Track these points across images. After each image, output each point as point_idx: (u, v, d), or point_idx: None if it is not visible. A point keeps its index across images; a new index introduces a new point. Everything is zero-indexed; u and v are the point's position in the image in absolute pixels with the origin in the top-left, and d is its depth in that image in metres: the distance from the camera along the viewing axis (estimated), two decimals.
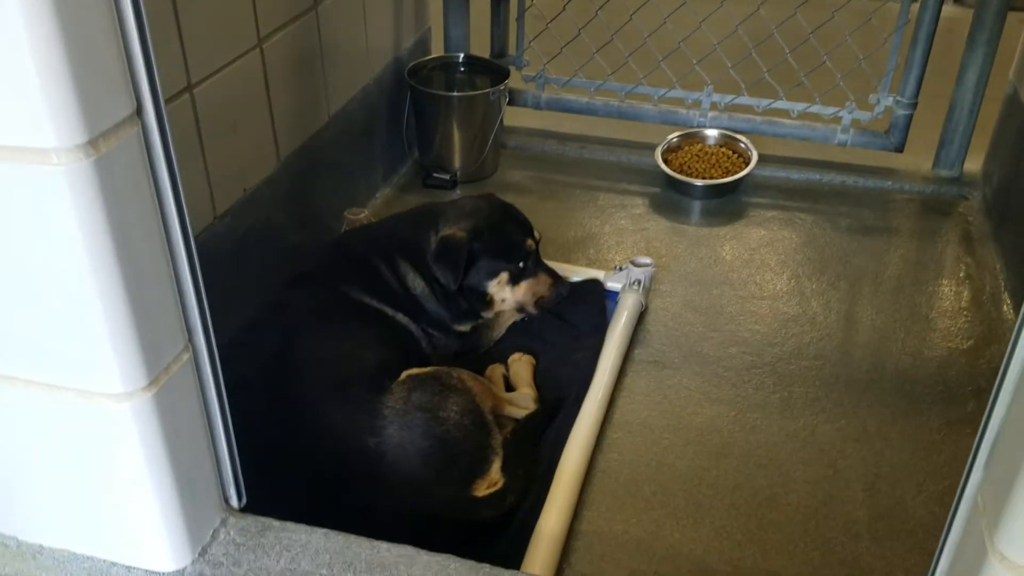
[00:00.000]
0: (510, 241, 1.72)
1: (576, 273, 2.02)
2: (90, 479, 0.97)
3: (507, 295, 1.73)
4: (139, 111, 0.80)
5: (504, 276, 1.71)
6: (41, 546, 1.05)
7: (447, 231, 1.67)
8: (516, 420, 1.61)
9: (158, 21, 1.41)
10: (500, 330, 1.83)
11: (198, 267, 0.93)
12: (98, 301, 0.81)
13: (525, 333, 1.85)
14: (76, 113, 0.73)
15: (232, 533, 1.06)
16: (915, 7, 2.22)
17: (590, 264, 2.11)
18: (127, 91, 0.78)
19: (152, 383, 0.89)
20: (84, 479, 0.97)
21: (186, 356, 0.94)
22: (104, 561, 1.04)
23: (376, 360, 1.49)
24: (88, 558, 1.04)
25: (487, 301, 1.72)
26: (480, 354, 1.79)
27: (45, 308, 0.83)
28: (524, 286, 1.74)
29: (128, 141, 0.79)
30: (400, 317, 1.63)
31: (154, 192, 0.84)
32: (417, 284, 1.68)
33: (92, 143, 0.75)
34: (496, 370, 1.73)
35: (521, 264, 1.72)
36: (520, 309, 1.77)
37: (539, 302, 1.76)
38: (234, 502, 1.10)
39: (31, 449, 0.96)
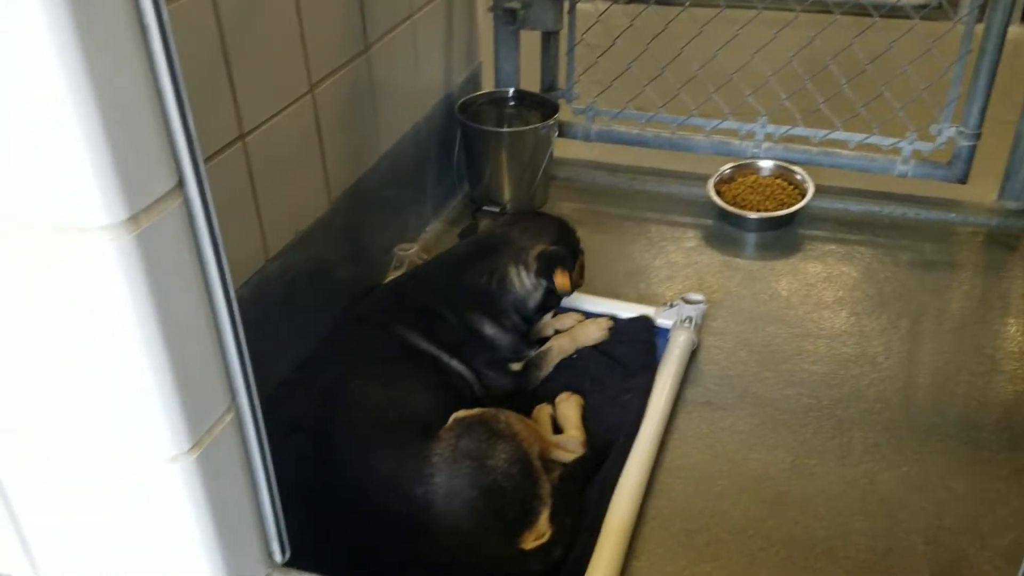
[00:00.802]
0: (575, 250, 1.84)
1: (625, 309, 2.00)
2: (138, 536, 0.98)
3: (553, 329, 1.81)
4: (181, 183, 0.82)
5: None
6: None
7: (538, 251, 1.73)
8: (563, 464, 1.59)
9: (210, 72, 1.44)
10: (547, 368, 1.82)
11: (240, 328, 0.94)
12: (145, 368, 0.83)
13: (573, 371, 1.83)
14: (119, 191, 0.74)
15: None
16: (978, 29, 2.16)
17: (640, 299, 2.09)
18: (168, 166, 0.79)
19: (196, 445, 0.90)
20: (133, 536, 0.98)
21: (229, 417, 0.95)
22: None
23: (426, 405, 1.49)
24: None
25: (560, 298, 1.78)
26: (527, 393, 1.78)
27: (95, 374, 0.85)
28: (562, 277, 1.79)
29: (171, 214, 0.80)
30: (455, 363, 1.63)
31: (197, 260, 0.85)
32: (487, 326, 1.69)
33: (135, 219, 0.76)
34: (543, 411, 1.72)
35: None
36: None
37: (581, 276, 1.86)
38: (278, 557, 1.10)
39: (83, 508, 0.98)
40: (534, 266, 1.73)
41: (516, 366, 1.75)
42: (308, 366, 1.67)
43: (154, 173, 0.78)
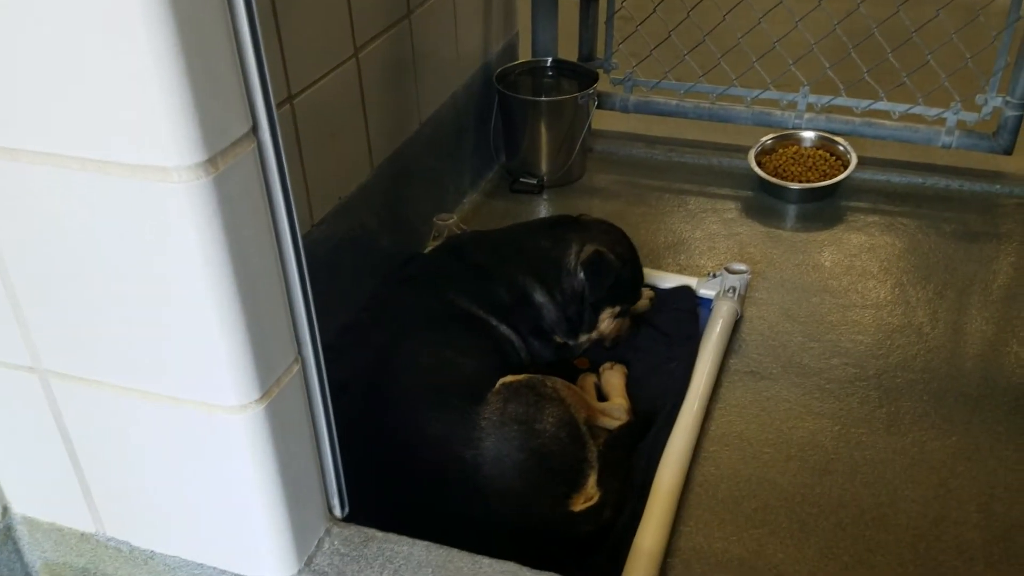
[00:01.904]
0: (636, 283, 1.79)
1: (667, 280, 1.99)
2: (202, 488, 0.98)
3: (605, 327, 1.74)
4: (255, 128, 0.81)
5: (618, 310, 1.73)
6: (153, 552, 1.08)
7: (599, 247, 1.69)
8: (609, 431, 1.58)
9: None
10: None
11: (308, 280, 0.93)
12: (215, 317, 0.82)
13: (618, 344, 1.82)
14: (196, 133, 0.74)
15: (336, 543, 1.07)
16: None
17: (681, 270, 2.07)
18: (244, 110, 0.79)
19: (265, 395, 0.90)
20: (197, 488, 0.99)
21: (296, 368, 0.95)
22: (213, 568, 1.06)
23: (474, 370, 1.49)
24: (198, 565, 1.06)
25: (591, 324, 1.72)
26: (573, 359, 1.77)
27: (164, 323, 0.85)
28: (616, 323, 1.76)
29: (245, 158, 0.79)
30: (503, 328, 1.62)
31: (268, 208, 0.85)
32: (537, 292, 1.68)
33: (211, 161, 0.76)
34: (588, 379, 1.71)
35: (628, 306, 1.77)
36: (599, 340, 1.77)
37: (615, 339, 1.78)
38: (337, 512, 1.10)
39: (148, 458, 0.98)
40: (585, 256, 1.67)
41: (559, 339, 1.73)
42: (351, 330, 1.66)
43: (231, 116, 0.77)
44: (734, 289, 1.90)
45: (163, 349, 0.87)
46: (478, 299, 1.62)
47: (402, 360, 1.49)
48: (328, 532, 1.08)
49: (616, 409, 1.63)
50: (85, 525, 1.11)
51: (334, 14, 1.63)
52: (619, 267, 1.69)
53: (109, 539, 1.11)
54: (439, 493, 1.34)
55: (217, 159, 0.77)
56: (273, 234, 0.86)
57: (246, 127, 0.80)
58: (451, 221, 2.07)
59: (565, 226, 1.76)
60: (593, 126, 2.43)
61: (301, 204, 1.63)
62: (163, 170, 0.75)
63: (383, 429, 1.40)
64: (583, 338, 1.74)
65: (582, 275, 1.67)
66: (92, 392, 0.94)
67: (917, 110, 2.32)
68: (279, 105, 1.50)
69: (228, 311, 0.82)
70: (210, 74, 0.74)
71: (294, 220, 0.87)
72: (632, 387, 1.71)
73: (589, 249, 1.69)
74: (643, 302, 1.88)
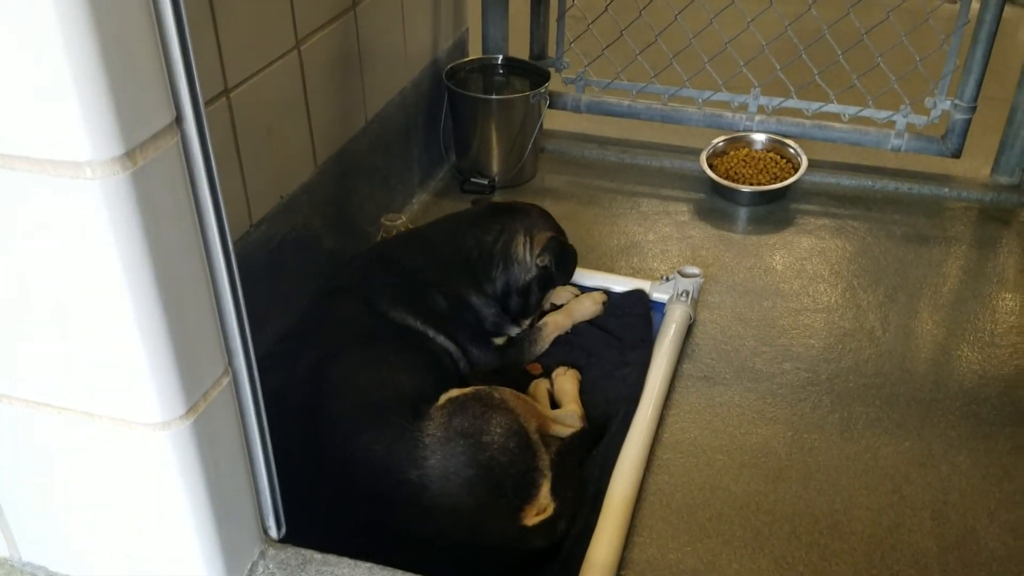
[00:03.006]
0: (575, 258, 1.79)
1: (620, 283, 1.95)
2: (124, 510, 0.91)
3: (555, 297, 1.79)
4: (179, 120, 0.74)
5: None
6: None
7: (551, 234, 1.70)
8: (562, 439, 1.53)
9: (194, 23, 1.35)
10: (543, 344, 1.76)
11: (239, 285, 0.87)
12: (134, 325, 0.75)
13: (569, 346, 1.78)
14: (112, 124, 0.67)
15: (271, 566, 1.00)
16: (975, 6, 2.12)
17: (634, 273, 2.04)
18: (166, 99, 0.72)
19: (190, 411, 0.83)
20: (118, 510, 0.91)
21: (226, 380, 0.88)
22: None
23: (413, 385, 1.42)
24: None
25: (535, 306, 1.73)
26: (522, 368, 1.72)
27: (79, 331, 0.77)
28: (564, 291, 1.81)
29: (167, 152, 0.73)
30: (440, 339, 1.56)
31: (194, 206, 0.78)
32: (474, 295, 1.63)
33: (129, 155, 0.69)
34: (540, 386, 1.66)
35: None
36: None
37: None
38: (273, 533, 1.04)
39: (65, 478, 0.91)
40: (540, 245, 1.68)
41: (499, 341, 1.69)
42: (289, 339, 1.58)
43: (152, 106, 0.70)
44: (687, 293, 1.87)
45: (78, 361, 0.80)
46: (412, 309, 1.55)
47: (335, 381, 1.40)
48: (263, 554, 1.01)
49: (569, 416, 1.59)
50: (0, 549, 1.02)
51: (274, 4, 1.55)
52: (573, 250, 1.72)
53: (25, 564, 1.03)
54: (384, 515, 1.27)
55: (136, 153, 0.70)
56: (200, 235, 0.80)
57: (169, 118, 0.73)
58: (399, 222, 2.01)
59: (504, 216, 1.72)
60: (545, 126, 2.38)
61: (239, 203, 1.55)
62: (75, 165, 0.68)
63: (320, 455, 1.32)
64: (526, 323, 1.73)
65: (542, 260, 1.66)
66: (2, 408, 0.86)
67: (867, 113, 2.32)
68: (215, 98, 1.42)
69: (148, 319, 0.75)
70: (128, 59, 0.67)
71: (223, 220, 0.81)
72: (585, 393, 1.67)
73: (543, 236, 1.67)
74: (597, 307, 1.84)
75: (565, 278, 1.72)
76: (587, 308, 1.82)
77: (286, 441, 1.13)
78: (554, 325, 1.76)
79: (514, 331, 1.72)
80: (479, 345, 1.64)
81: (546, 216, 1.77)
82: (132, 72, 0.68)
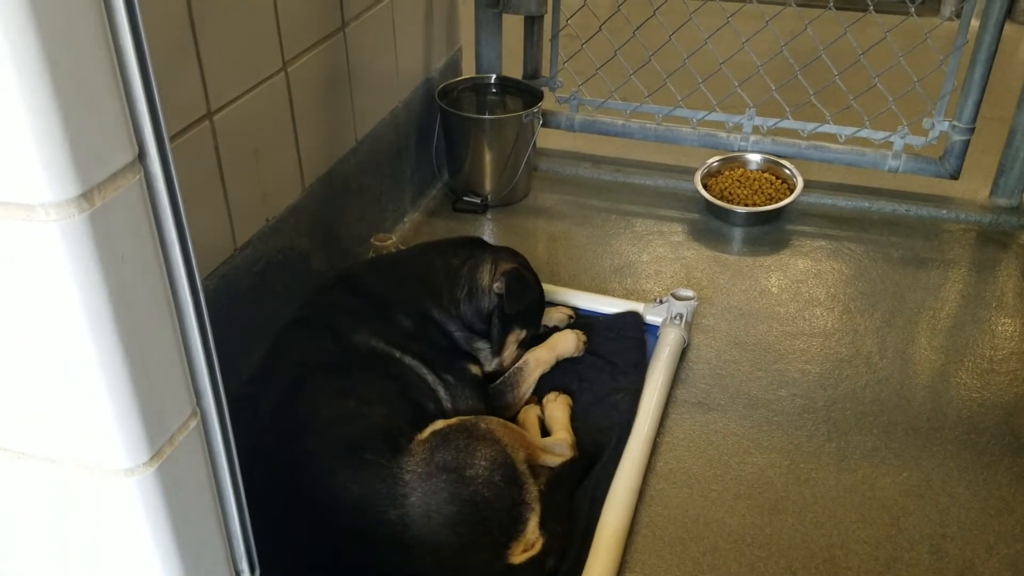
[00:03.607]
0: (542, 309, 1.75)
1: (613, 305, 1.92)
2: (88, 560, 0.87)
3: (508, 354, 1.67)
4: (141, 156, 0.71)
5: (523, 335, 1.68)
6: None
7: (515, 265, 1.64)
8: (552, 469, 1.50)
9: (175, 44, 1.33)
10: (527, 386, 1.67)
11: (208, 324, 0.83)
12: (94, 369, 0.72)
13: (561, 371, 1.74)
14: (67, 163, 0.64)
15: None
16: (974, 25, 2.10)
17: (627, 295, 2.01)
18: (127, 135, 0.69)
19: (155, 456, 0.80)
20: (81, 559, 0.88)
21: (193, 423, 0.85)
22: None
23: (384, 417, 1.35)
24: None
25: (498, 342, 1.65)
26: (509, 417, 1.62)
27: (34, 377, 0.74)
28: (517, 353, 1.69)
29: (128, 191, 0.69)
30: (408, 359, 1.48)
31: (158, 245, 0.75)
32: (431, 307, 1.59)
33: (86, 196, 0.66)
34: (530, 413, 1.63)
35: (531, 335, 1.71)
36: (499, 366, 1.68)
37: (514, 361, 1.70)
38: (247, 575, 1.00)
39: (24, 527, 0.87)
40: (500, 276, 1.61)
41: (475, 369, 1.61)
42: (254, 379, 1.48)
43: (111, 143, 0.67)
44: (681, 316, 1.84)
45: (36, 405, 0.76)
46: (377, 330, 1.48)
47: (301, 420, 1.33)
48: None
49: (559, 445, 1.55)
50: None
51: (260, 26, 1.53)
52: (536, 287, 1.66)
53: None
54: (364, 556, 1.23)
55: (94, 193, 0.67)
56: (165, 275, 0.76)
57: (130, 156, 0.70)
58: (390, 242, 1.98)
59: (473, 246, 1.68)
60: (538, 145, 2.36)
61: (222, 226, 1.52)
62: (27, 208, 0.65)
63: (292, 497, 1.26)
64: (495, 361, 1.66)
65: (498, 287, 1.60)
66: None
67: (864, 133, 2.29)
68: (197, 121, 1.39)
69: (108, 362, 0.72)
70: (83, 93, 0.64)
71: (191, 258, 0.77)
72: (576, 419, 1.63)
73: (506, 266, 1.63)
74: (578, 345, 1.75)
75: (514, 307, 1.60)
76: (569, 345, 1.73)
77: (257, 482, 1.09)
78: (536, 362, 1.68)
79: (485, 349, 1.65)
80: (454, 372, 1.55)
81: (517, 256, 1.71)
82: (88, 107, 0.64)
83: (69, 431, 0.77)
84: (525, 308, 1.64)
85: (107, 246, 0.68)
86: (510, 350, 1.66)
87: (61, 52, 0.62)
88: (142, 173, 0.71)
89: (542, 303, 1.74)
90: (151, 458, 0.79)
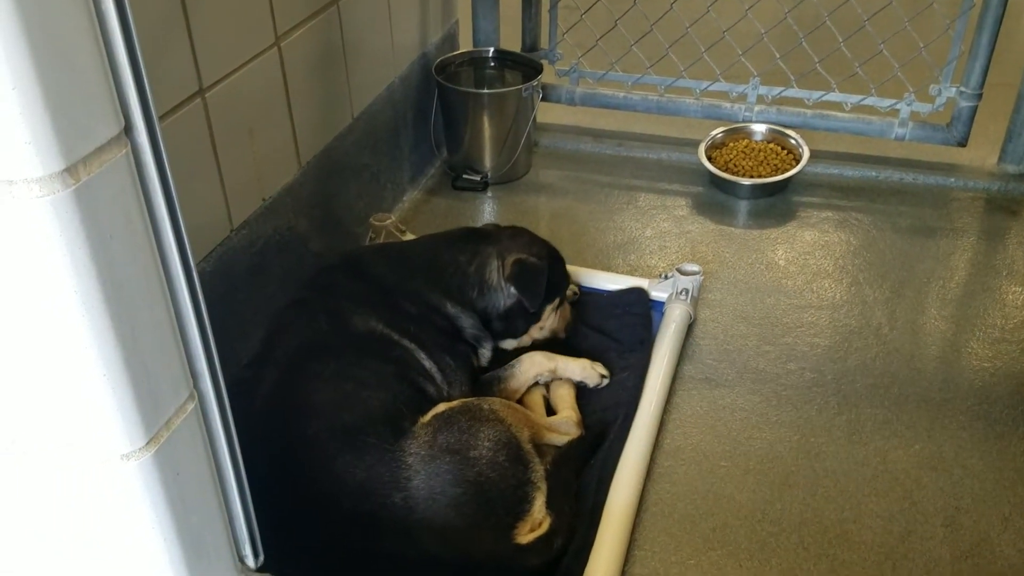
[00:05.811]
0: (563, 273, 1.71)
1: (618, 281, 1.89)
2: (85, 549, 0.85)
3: (551, 323, 1.68)
4: (128, 129, 0.68)
5: (556, 302, 1.67)
6: None
7: (518, 255, 1.59)
8: (558, 448, 1.47)
9: (165, 20, 1.29)
10: (518, 384, 1.59)
11: (202, 303, 0.80)
12: (86, 352, 0.69)
13: (566, 349, 1.71)
14: (50, 137, 0.61)
15: None
16: None
17: (631, 271, 1.98)
18: (113, 108, 0.66)
19: (152, 441, 0.77)
20: (78, 549, 0.85)
21: (191, 406, 0.82)
22: None
23: (388, 400, 1.32)
24: None
25: (532, 324, 1.63)
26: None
27: (23, 361, 0.71)
28: (561, 313, 1.70)
29: (114, 165, 0.66)
30: (405, 342, 1.44)
31: (148, 221, 0.72)
32: (444, 302, 1.54)
33: (71, 170, 0.63)
34: (536, 393, 1.60)
35: (564, 295, 1.70)
36: (552, 337, 1.69)
37: (566, 328, 1.72)
38: (250, 562, 0.98)
39: (20, 517, 0.85)
40: (507, 270, 1.57)
41: (474, 359, 1.57)
42: (252, 362, 1.43)
43: (96, 116, 0.64)
44: (687, 291, 1.81)
45: (28, 391, 0.74)
46: (376, 313, 1.44)
47: (300, 402, 1.30)
48: None
49: (565, 423, 1.53)
50: None
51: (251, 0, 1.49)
52: (544, 268, 1.60)
53: None
54: (368, 540, 1.20)
55: (78, 168, 0.63)
56: (156, 253, 0.73)
57: (116, 129, 0.67)
58: (389, 221, 1.95)
59: (477, 239, 1.63)
60: (538, 119, 2.32)
61: (218, 206, 1.49)
62: (9, 183, 0.62)
63: (294, 483, 1.24)
64: (512, 344, 1.64)
65: (513, 289, 1.57)
66: None
67: (870, 101, 2.25)
68: (189, 98, 1.36)
69: (99, 344, 0.69)
70: (66, 65, 0.61)
71: (182, 235, 0.75)
72: (582, 398, 1.61)
73: (510, 260, 1.57)
74: (585, 374, 1.64)
75: (535, 302, 1.57)
76: (574, 370, 1.63)
77: (259, 467, 1.06)
78: (532, 364, 1.60)
79: (490, 348, 1.61)
80: (456, 358, 1.51)
81: (520, 235, 1.66)
82: (71, 79, 0.61)
83: (63, 415, 0.74)
84: (555, 279, 1.63)
85: (94, 223, 0.65)
86: (551, 320, 1.67)
87: (40, 19, 0.59)
88: (129, 147, 0.68)
89: (558, 268, 1.67)
90: (148, 442, 0.76)
